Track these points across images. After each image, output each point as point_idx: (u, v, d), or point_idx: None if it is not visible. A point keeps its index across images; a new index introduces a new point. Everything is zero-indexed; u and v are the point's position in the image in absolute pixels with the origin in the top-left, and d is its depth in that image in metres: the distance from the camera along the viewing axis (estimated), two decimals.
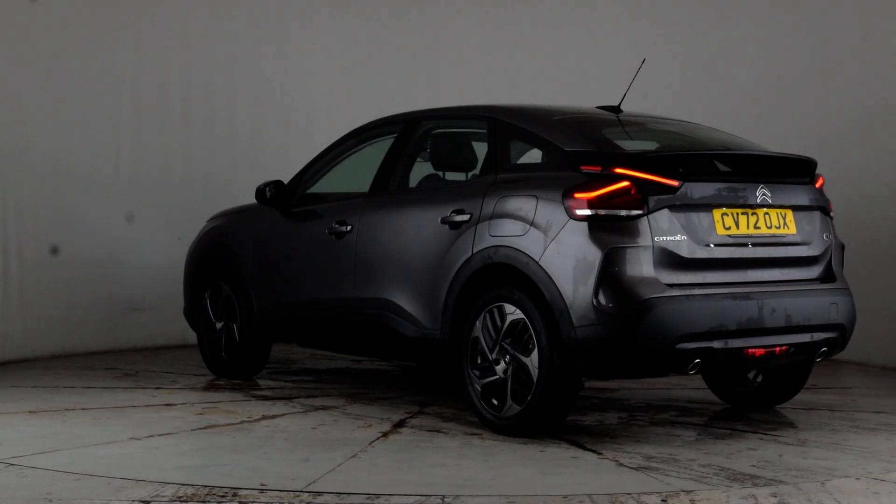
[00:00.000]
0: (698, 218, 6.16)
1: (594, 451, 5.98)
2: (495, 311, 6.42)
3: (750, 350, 6.26)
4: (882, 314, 9.43)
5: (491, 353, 6.44)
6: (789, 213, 6.52)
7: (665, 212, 6.07)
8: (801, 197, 6.62)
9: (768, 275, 6.44)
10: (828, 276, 6.71)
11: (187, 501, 4.81)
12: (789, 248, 6.53)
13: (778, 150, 7.09)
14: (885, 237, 9.52)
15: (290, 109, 10.72)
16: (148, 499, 4.85)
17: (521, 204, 6.35)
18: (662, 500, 5.05)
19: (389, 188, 7.34)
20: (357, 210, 7.38)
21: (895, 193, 9.52)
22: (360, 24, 10.85)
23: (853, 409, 7.38)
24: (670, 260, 6.06)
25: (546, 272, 6.13)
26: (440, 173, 7.38)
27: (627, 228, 6.03)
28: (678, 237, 6.08)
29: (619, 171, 6.12)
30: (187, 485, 5.06)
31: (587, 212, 6.06)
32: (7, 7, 9.20)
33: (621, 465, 5.68)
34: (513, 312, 6.32)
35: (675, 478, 5.41)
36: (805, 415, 7.14)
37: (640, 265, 6.02)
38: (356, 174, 7.81)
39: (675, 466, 5.63)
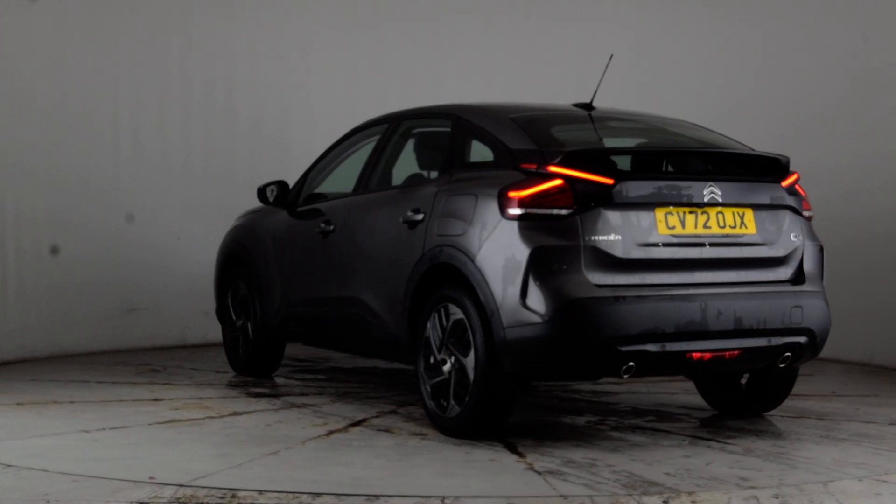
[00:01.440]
0: (637, 217, 5.99)
1: (518, 454, 5.89)
2: (442, 310, 6.38)
3: (695, 354, 6.05)
4: (884, 313, 9.20)
5: (438, 353, 6.41)
6: (748, 213, 6.27)
7: (598, 211, 5.92)
8: (763, 196, 6.34)
9: (722, 276, 6.20)
10: (798, 279, 6.43)
11: (186, 502, 4.86)
12: (747, 248, 6.27)
13: (772, 149, 6.85)
14: (884, 235, 9.30)
15: (289, 109, 10.69)
16: (146, 500, 4.88)
17: (463, 203, 6.31)
18: (664, 502, 4.99)
19: (369, 188, 7.38)
20: (340, 210, 7.47)
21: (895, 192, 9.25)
22: (360, 23, 10.81)
23: (846, 417, 7.04)
24: (603, 260, 5.91)
25: (481, 272, 6.07)
26: (425, 172, 7.37)
27: (557, 228, 5.92)
28: (612, 237, 5.92)
29: (552, 169, 6.00)
30: (185, 486, 5.10)
31: (518, 211, 5.97)
32: (7, 7, 9.28)
33: (531, 468, 5.58)
34: (456, 312, 6.28)
35: (570, 483, 5.29)
36: (786, 423, 6.85)
37: (569, 265, 5.89)
38: (356, 174, 7.86)
39: (583, 472, 5.50)
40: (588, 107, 6.99)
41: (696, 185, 6.12)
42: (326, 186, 8.03)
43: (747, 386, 6.96)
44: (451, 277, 6.32)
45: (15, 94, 9.32)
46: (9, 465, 5.47)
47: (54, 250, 9.47)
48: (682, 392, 7.86)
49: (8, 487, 5.12)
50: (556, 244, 5.89)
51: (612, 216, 5.93)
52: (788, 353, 6.30)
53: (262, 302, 8.21)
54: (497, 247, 6.02)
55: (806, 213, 6.57)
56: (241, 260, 8.54)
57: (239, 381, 8.35)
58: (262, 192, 8.04)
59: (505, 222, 6.00)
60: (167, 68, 10.25)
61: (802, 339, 6.33)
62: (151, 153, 10.17)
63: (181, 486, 5.09)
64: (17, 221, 9.32)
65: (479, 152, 6.72)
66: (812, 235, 6.57)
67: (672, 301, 5.98)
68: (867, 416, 7.08)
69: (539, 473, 5.47)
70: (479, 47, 10.78)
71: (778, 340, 6.24)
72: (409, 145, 7.49)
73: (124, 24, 10.00)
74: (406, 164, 7.45)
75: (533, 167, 6.08)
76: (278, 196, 8.03)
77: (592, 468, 5.58)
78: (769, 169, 6.45)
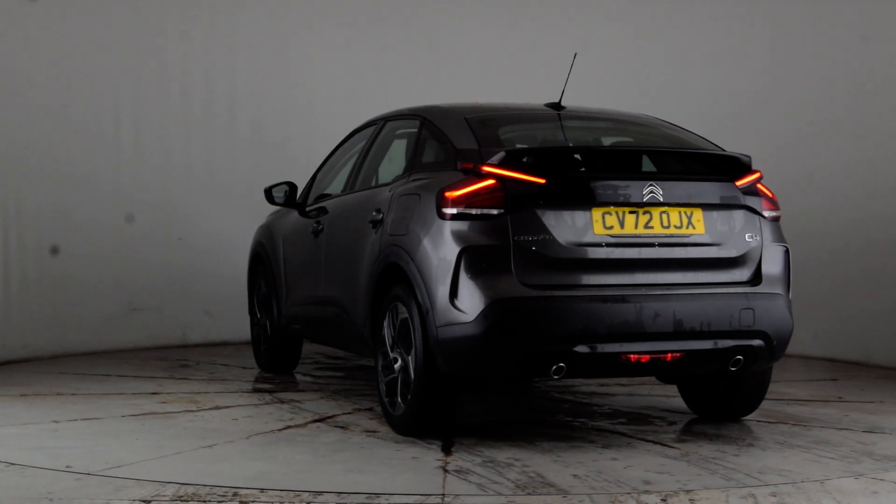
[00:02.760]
0: (572, 217, 5.93)
1: (446, 453, 5.91)
2: (394, 310, 6.45)
3: (631, 356, 5.96)
4: (882, 314, 9.13)
5: (391, 351, 6.48)
6: (697, 212, 6.13)
7: (530, 210, 5.89)
8: (713, 195, 6.20)
9: (664, 277, 6.07)
10: (755, 280, 6.25)
11: (188, 501, 4.96)
12: (694, 248, 6.12)
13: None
14: (884, 236, 9.18)
15: (290, 109, 10.71)
16: (148, 498, 4.94)
17: (410, 203, 6.38)
18: (662, 500, 5.01)
19: (354, 188, 7.50)
20: (329, 210, 7.62)
21: (894, 192, 9.07)
22: (360, 23, 10.83)
23: (826, 423, 6.81)
24: (533, 260, 5.87)
25: (419, 271, 6.12)
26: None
27: (487, 228, 5.92)
28: (542, 237, 5.88)
29: (485, 168, 6.01)
30: (188, 484, 5.21)
31: (452, 210, 6.00)
32: (7, 7, 9.36)
33: (443, 467, 5.59)
34: (403, 312, 6.34)
35: (465, 483, 5.29)
36: (758, 427, 6.68)
37: (497, 265, 5.88)
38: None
39: (491, 471, 5.49)
40: (557, 106, 6.94)
41: (635, 184, 6.02)
42: (334, 186, 8.17)
43: (721, 390, 6.80)
44: (399, 277, 6.39)
45: (15, 93, 9.45)
46: (12, 464, 5.59)
47: (54, 250, 9.58)
48: (677, 396, 7.71)
49: (11, 486, 5.22)
50: (485, 244, 5.89)
51: (544, 216, 5.89)
52: (740, 357, 6.14)
53: (278, 300, 8.42)
54: (432, 247, 6.06)
55: (768, 214, 6.37)
56: (261, 259, 8.77)
57: (257, 377, 8.57)
58: (268, 193, 8.22)
59: (440, 222, 6.04)
60: (168, 68, 10.33)
61: (755, 343, 6.14)
62: (152, 153, 10.25)
63: (183, 484, 5.17)
64: (19, 221, 9.43)
65: (432, 153, 6.78)
66: (776, 237, 6.37)
67: (604, 302, 5.90)
68: (849, 423, 6.84)
69: (446, 472, 5.49)
70: (479, 46, 10.77)
71: (726, 343, 6.08)
72: (393, 146, 7.57)
73: (125, 24, 10.10)
74: (393, 165, 7.52)
75: (471, 167, 6.10)
76: (288, 196, 8.19)
77: (505, 468, 5.57)
78: (724, 168, 6.30)
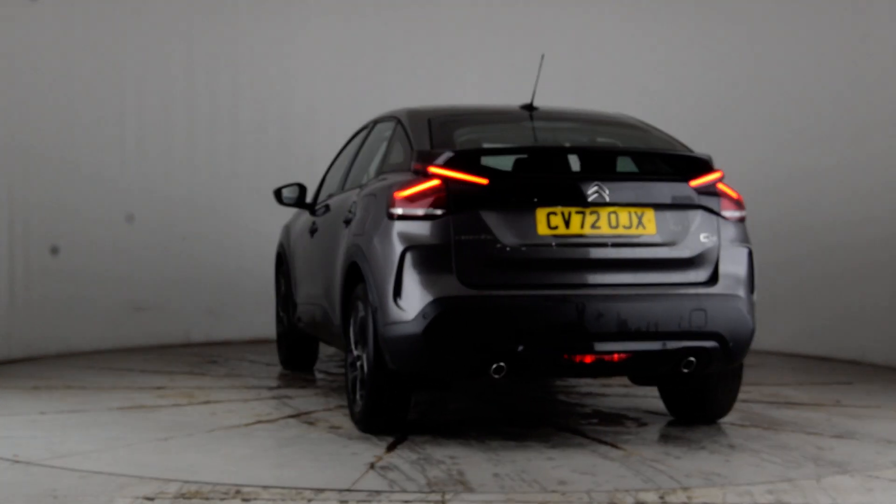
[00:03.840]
0: (514, 217, 5.95)
1: (388, 450, 5.99)
2: (357, 308, 6.56)
3: (575, 357, 5.96)
4: (876, 312, 9.15)
5: (355, 349, 6.60)
6: (649, 212, 6.08)
7: (473, 211, 5.93)
8: (665, 195, 6.14)
9: (611, 277, 6.03)
10: (711, 281, 6.17)
11: (191, 498, 5.08)
12: (643, 249, 6.06)
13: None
14: (878, 234, 9.14)
15: (291, 108, 10.76)
16: (152, 496, 5.01)
17: (368, 203, 6.50)
18: (660, 497, 5.08)
19: (344, 189, 7.63)
20: (325, 209, 7.76)
21: (889, 192, 9.01)
22: (360, 23, 10.84)
23: (798, 428, 6.67)
24: (475, 260, 5.91)
25: (371, 270, 6.23)
26: None
27: (430, 228, 5.99)
28: (484, 236, 5.91)
29: (431, 169, 6.08)
30: (191, 482, 5.31)
31: (399, 210, 6.09)
32: (8, 7, 9.40)
33: (371, 464, 5.64)
34: (362, 310, 6.44)
35: (381, 479, 5.35)
36: (727, 430, 6.58)
37: (438, 265, 5.94)
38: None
39: (414, 468, 5.55)
40: (529, 107, 6.95)
41: (580, 184, 6.00)
42: (336, 187, 8.31)
43: (690, 392, 6.72)
44: (359, 276, 6.49)
45: (18, 93, 9.57)
46: (17, 461, 5.72)
47: (54, 250, 9.68)
48: None
49: (15, 482, 5.32)
50: (426, 244, 5.96)
51: (487, 216, 5.93)
52: (692, 359, 6.07)
53: (293, 298, 8.61)
54: (381, 246, 6.16)
55: (729, 214, 6.26)
56: (281, 258, 8.99)
57: (276, 374, 8.76)
58: (277, 194, 8.39)
59: (387, 222, 6.13)
60: (170, 68, 10.45)
61: (709, 344, 6.06)
62: (156, 153, 10.37)
63: (186, 482, 5.28)
64: (23, 221, 9.55)
65: (399, 154, 6.86)
66: (738, 237, 6.24)
67: (545, 301, 5.90)
68: (824, 428, 6.68)
69: (371, 468, 5.56)
70: (480, 47, 10.74)
71: (675, 344, 6.01)
72: (382, 147, 7.66)
73: (126, 25, 10.23)
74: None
75: (420, 168, 6.17)
76: (298, 197, 8.35)
77: (434, 465, 5.62)
78: (682, 168, 6.23)
